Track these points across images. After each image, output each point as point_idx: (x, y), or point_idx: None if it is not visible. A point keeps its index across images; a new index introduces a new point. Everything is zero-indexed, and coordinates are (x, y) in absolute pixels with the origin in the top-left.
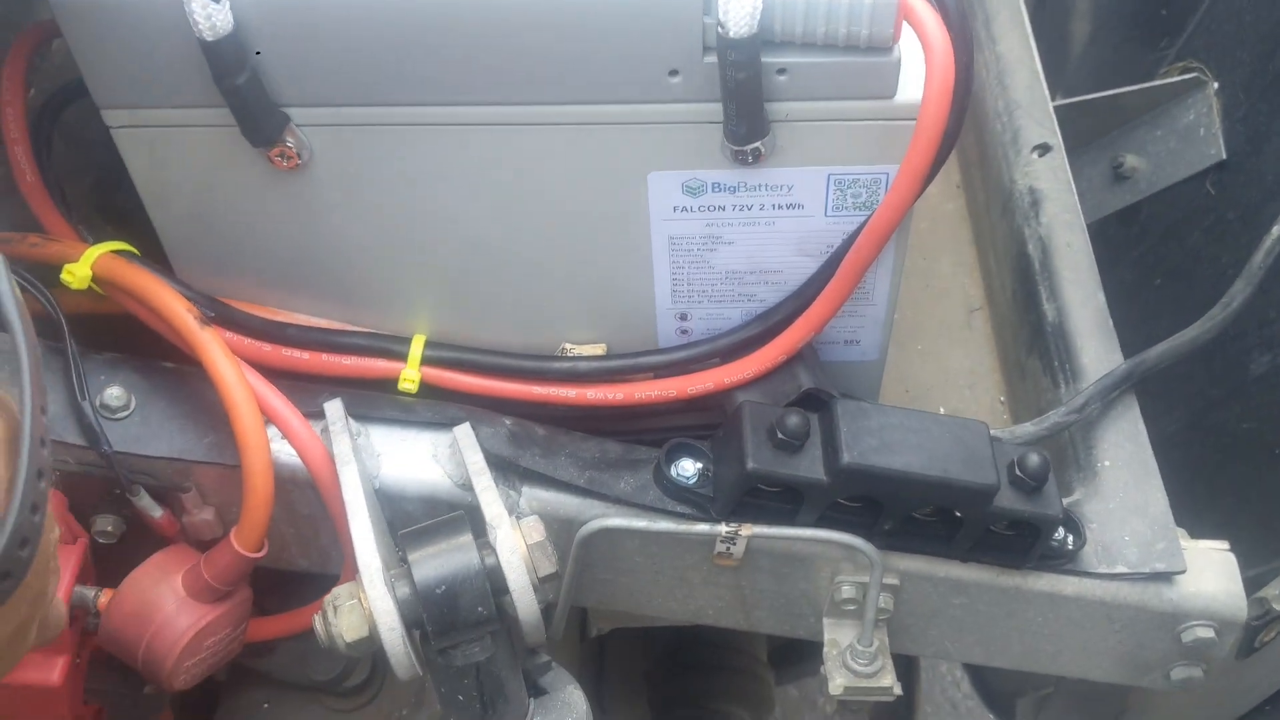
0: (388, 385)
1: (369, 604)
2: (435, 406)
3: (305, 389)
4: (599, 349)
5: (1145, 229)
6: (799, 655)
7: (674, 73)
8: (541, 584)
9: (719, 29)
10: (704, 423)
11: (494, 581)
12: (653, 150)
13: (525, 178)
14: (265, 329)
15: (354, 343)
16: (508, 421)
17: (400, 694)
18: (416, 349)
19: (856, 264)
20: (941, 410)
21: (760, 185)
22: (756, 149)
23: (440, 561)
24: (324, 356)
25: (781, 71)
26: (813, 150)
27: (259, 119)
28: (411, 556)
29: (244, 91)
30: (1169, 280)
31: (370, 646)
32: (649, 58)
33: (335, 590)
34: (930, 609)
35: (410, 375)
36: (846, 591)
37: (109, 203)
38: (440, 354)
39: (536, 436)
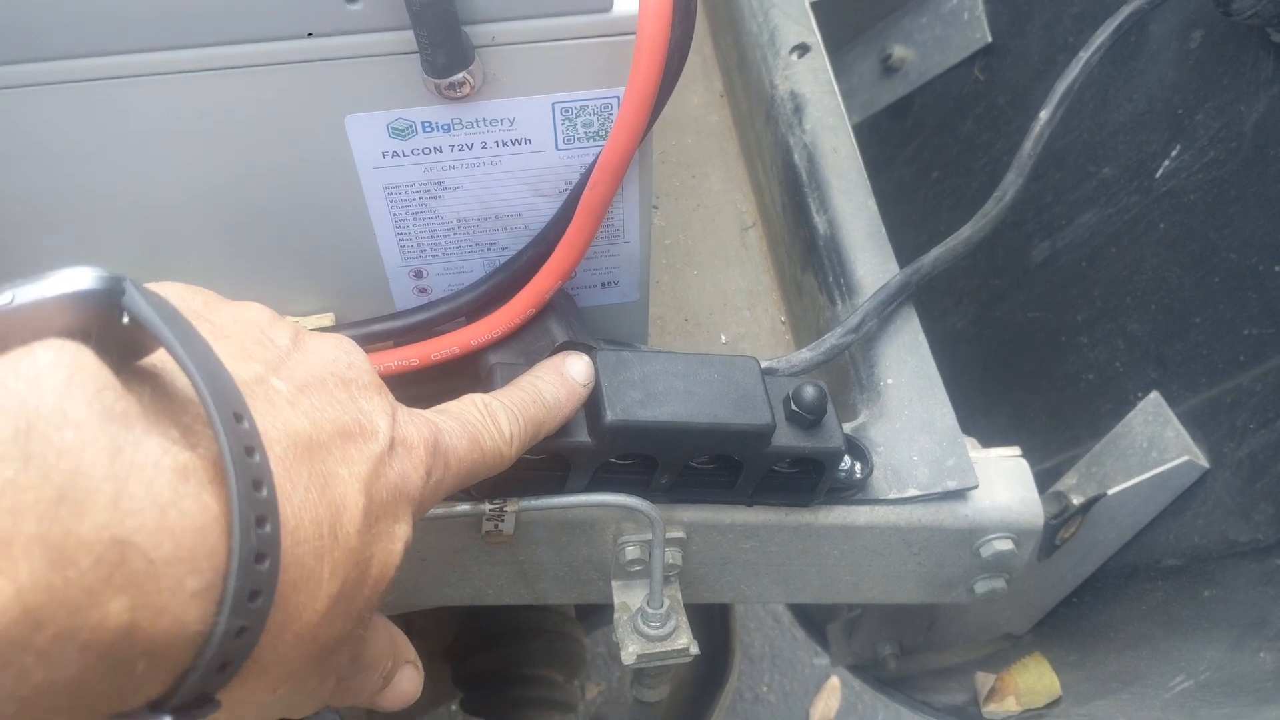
0: None
1: None
2: None
3: None
4: (326, 319)
5: (919, 121)
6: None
7: None
8: None
9: None
10: (462, 387)
11: None
12: (344, 90)
13: (205, 133)
14: None
15: None
16: None
17: None
18: None
19: (596, 201)
20: (723, 337)
21: (477, 121)
22: (463, 80)
23: None
24: None
25: None
26: (530, 77)
27: None
28: None
29: None
30: (946, 173)
31: None
32: None
33: None
34: (721, 557)
35: None
36: (631, 552)
37: None
38: None
39: None
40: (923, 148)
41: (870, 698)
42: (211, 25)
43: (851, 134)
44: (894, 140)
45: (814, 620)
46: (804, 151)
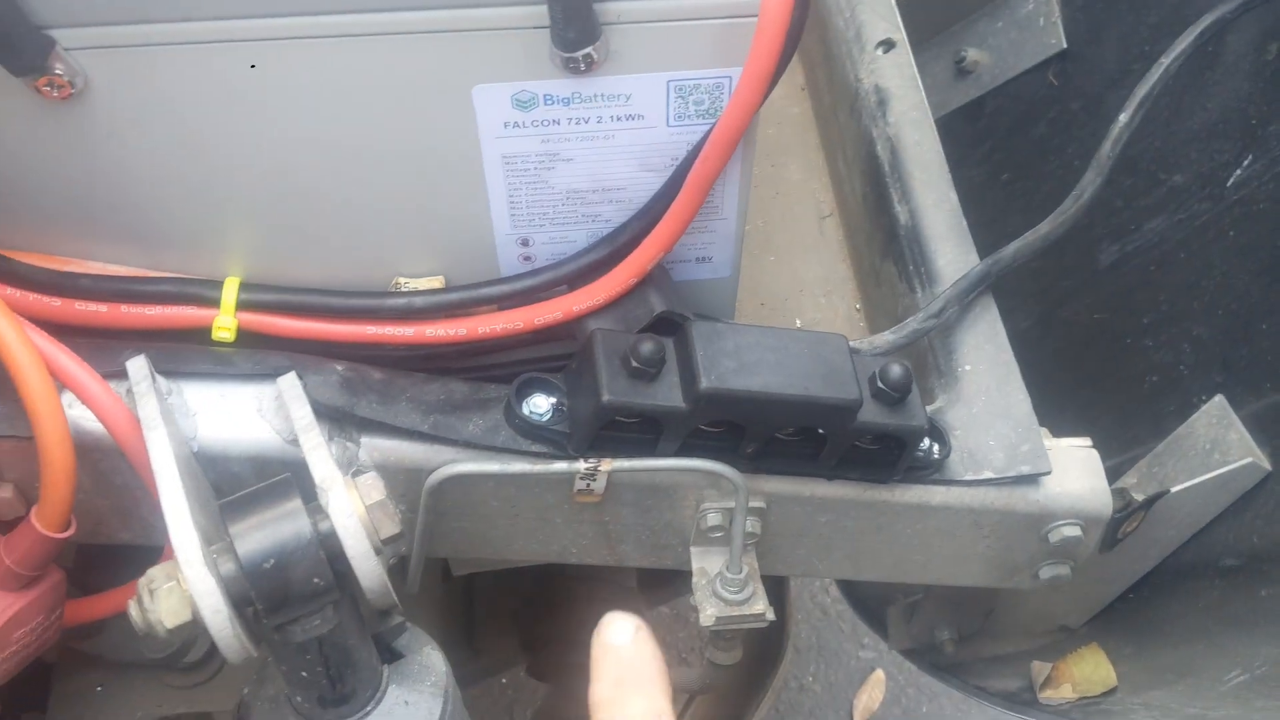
0: (201, 336)
1: (188, 585)
2: (256, 356)
3: (106, 347)
4: (436, 282)
5: (991, 124)
6: (668, 578)
7: None
8: (385, 546)
9: None
10: (558, 353)
11: (330, 549)
12: (476, 61)
13: (336, 96)
14: (53, 281)
15: (158, 290)
16: (339, 367)
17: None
18: (230, 293)
19: (703, 177)
20: (798, 322)
21: (596, 95)
22: (588, 55)
23: (266, 532)
24: (124, 308)
25: None
26: (650, 55)
27: (17, 44)
28: (233, 529)
29: None
30: (1016, 175)
31: (195, 631)
32: None
33: (150, 571)
34: (798, 529)
35: (225, 323)
36: (713, 519)
37: None
38: (258, 296)
39: (373, 381)
40: (994, 150)
41: (915, 691)
42: None
43: (934, 128)
44: (966, 142)
45: (869, 606)
46: (887, 143)
